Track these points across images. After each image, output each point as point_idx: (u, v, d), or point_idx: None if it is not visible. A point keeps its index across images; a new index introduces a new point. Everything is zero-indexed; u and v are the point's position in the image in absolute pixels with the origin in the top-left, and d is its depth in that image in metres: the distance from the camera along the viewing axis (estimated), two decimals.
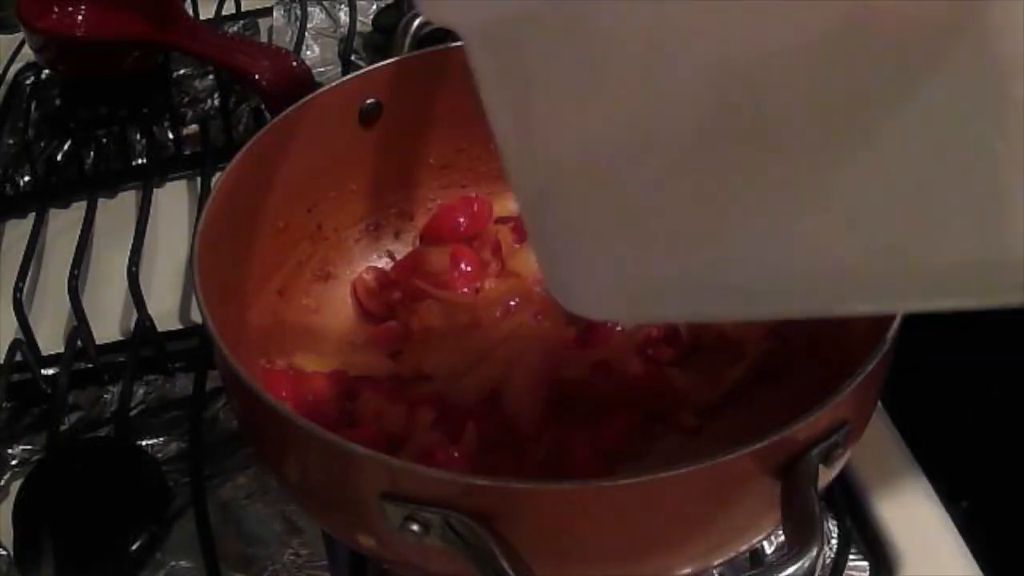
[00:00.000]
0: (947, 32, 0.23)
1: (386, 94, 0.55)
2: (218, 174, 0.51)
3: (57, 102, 0.84)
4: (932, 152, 0.24)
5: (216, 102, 0.82)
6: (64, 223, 0.72)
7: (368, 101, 0.55)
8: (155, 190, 0.73)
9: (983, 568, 0.48)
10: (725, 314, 0.38)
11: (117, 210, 0.73)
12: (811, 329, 0.50)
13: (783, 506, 0.36)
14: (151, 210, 0.71)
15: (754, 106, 0.25)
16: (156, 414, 0.58)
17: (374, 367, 0.53)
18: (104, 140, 0.79)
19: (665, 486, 0.34)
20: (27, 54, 0.87)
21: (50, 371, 0.61)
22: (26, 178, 0.77)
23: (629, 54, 0.26)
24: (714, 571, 0.47)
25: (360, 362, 0.53)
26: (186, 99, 0.84)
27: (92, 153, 0.78)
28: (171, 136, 0.78)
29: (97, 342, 0.62)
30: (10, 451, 0.57)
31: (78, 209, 0.73)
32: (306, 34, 0.88)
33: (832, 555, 0.48)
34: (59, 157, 0.78)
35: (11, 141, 0.81)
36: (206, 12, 0.92)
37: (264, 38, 0.90)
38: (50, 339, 0.62)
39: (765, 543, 0.49)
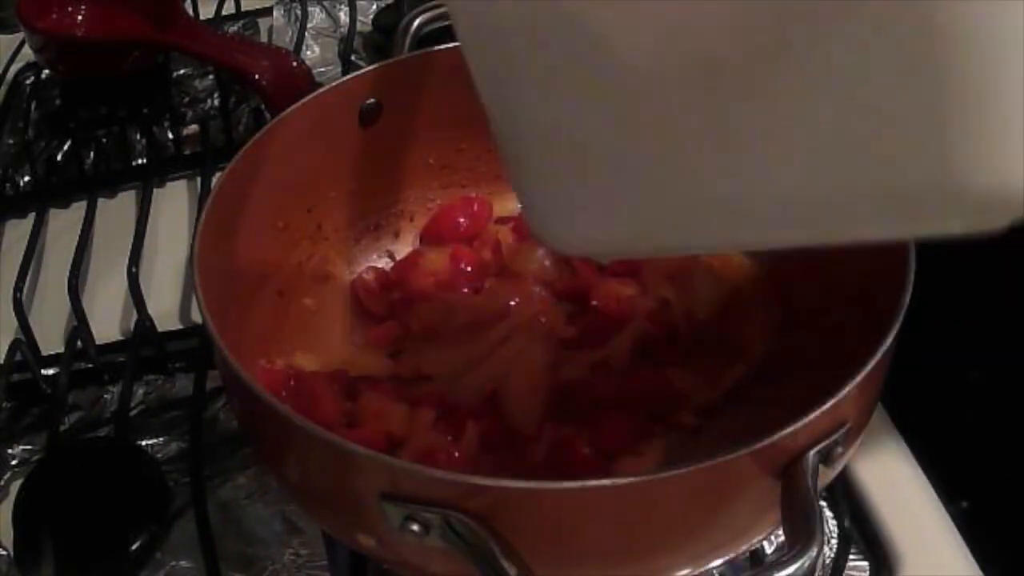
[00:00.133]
0: None
1: (386, 94, 0.55)
2: (218, 174, 0.51)
3: (57, 102, 0.84)
4: (875, 87, 0.26)
5: (216, 102, 0.82)
6: (64, 223, 0.72)
7: (368, 101, 0.55)
8: (155, 190, 0.73)
9: (983, 568, 0.48)
10: (695, 246, 0.38)
11: (117, 210, 0.73)
12: (811, 329, 0.50)
13: (783, 506, 0.36)
14: (151, 210, 0.71)
15: (703, 52, 0.27)
16: (156, 414, 0.58)
17: (374, 367, 0.53)
18: (104, 140, 0.79)
19: (665, 486, 0.34)
20: (27, 54, 0.87)
21: (50, 371, 0.61)
22: (26, 178, 0.77)
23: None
24: (714, 571, 0.47)
25: (360, 362, 0.53)
26: (186, 99, 0.84)
27: (92, 153, 0.78)
28: (171, 136, 0.78)
29: (97, 342, 0.62)
30: (10, 451, 0.57)
31: (78, 209, 0.73)
32: (306, 34, 0.88)
33: (832, 555, 0.48)
34: (59, 157, 0.78)
35: (11, 141, 0.81)
36: (206, 12, 0.92)
37: (264, 38, 0.90)
38: (50, 339, 0.62)
39: (765, 543, 0.49)
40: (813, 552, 0.32)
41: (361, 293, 0.57)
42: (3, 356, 0.61)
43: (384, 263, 0.59)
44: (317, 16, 0.90)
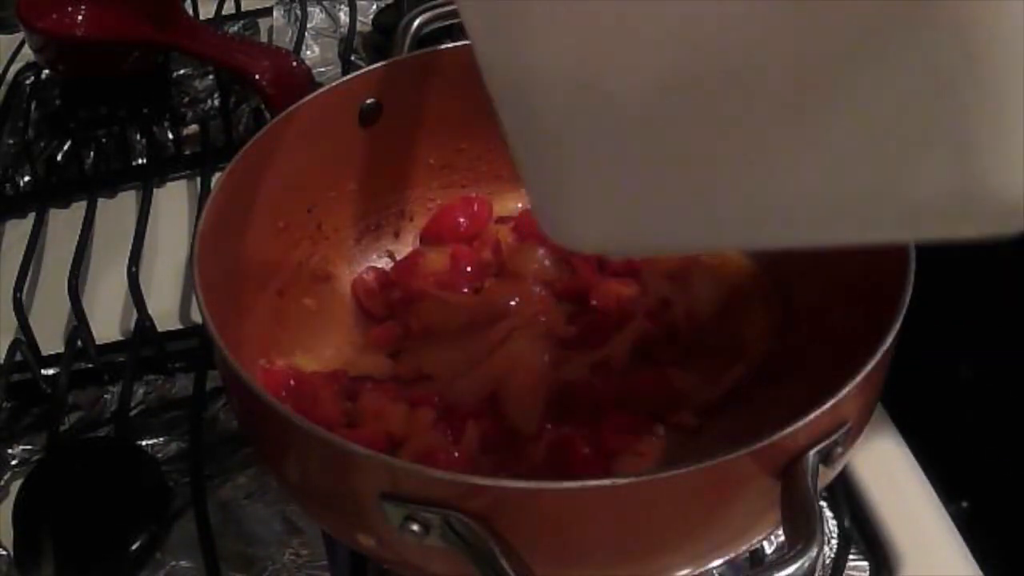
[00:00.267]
0: None
1: (386, 94, 0.55)
2: (218, 174, 0.51)
3: (57, 102, 0.84)
4: (909, 99, 0.26)
5: (216, 102, 0.82)
6: (64, 223, 0.72)
7: (368, 101, 0.55)
8: (155, 190, 0.73)
9: (983, 568, 0.48)
10: (707, 244, 0.38)
11: (117, 210, 0.73)
12: (811, 329, 0.50)
13: (783, 506, 0.36)
14: (151, 210, 0.71)
15: (733, 59, 0.27)
16: (156, 414, 0.58)
17: (374, 367, 0.53)
18: (104, 140, 0.79)
19: (665, 486, 0.34)
20: (27, 54, 0.87)
21: (50, 371, 0.61)
22: (26, 178, 0.77)
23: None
24: (714, 571, 0.47)
25: (360, 362, 0.53)
26: (186, 99, 0.84)
27: (92, 153, 0.78)
28: (171, 136, 0.78)
29: (97, 342, 0.62)
30: (10, 451, 0.57)
31: (78, 209, 0.73)
32: (306, 34, 0.88)
33: (832, 555, 0.48)
34: (59, 157, 0.78)
35: (11, 141, 0.81)
36: (206, 12, 0.92)
37: (264, 38, 0.90)
38: (50, 339, 0.62)
39: (765, 543, 0.49)
40: (813, 552, 0.32)
41: (361, 293, 0.57)
42: (3, 356, 0.61)
43: (384, 263, 0.59)
44: (317, 16, 0.90)
